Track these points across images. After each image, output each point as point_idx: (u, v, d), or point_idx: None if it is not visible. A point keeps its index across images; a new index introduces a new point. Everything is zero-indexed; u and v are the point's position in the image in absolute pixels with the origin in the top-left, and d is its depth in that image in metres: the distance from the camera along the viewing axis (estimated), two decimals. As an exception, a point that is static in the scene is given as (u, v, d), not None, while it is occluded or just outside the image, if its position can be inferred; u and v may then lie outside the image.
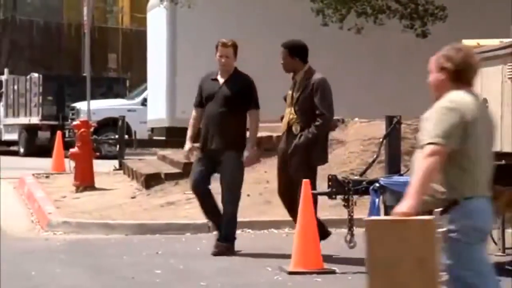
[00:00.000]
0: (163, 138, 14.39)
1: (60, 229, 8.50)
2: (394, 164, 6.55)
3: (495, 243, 6.91)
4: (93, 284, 5.98)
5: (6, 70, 23.67)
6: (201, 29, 14.02)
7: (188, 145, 6.99)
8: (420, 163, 3.52)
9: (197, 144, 7.10)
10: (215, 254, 6.79)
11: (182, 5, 12.19)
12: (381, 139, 6.87)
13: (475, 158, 3.61)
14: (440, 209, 3.57)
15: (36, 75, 21.36)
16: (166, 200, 9.62)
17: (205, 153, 6.90)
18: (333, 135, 10.99)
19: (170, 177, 10.53)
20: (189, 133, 7.02)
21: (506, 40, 6.36)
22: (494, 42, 6.55)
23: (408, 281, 3.40)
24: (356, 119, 11.36)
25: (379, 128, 9.56)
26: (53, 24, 31.92)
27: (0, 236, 8.15)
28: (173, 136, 14.11)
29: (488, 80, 6.34)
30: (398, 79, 14.68)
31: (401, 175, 6.39)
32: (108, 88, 21.32)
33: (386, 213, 6.11)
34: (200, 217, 8.81)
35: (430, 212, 3.62)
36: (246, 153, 6.84)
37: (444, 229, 3.53)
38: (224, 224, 6.89)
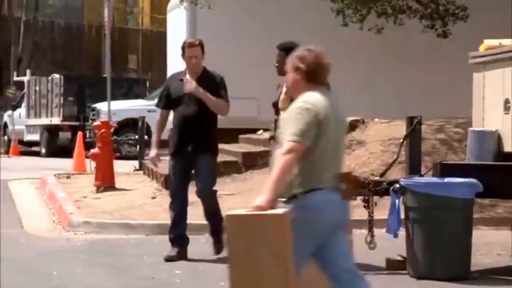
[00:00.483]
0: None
1: (81, 229, 8.54)
2: (415, 164, 6.52)
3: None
4: (114, 284, 6.00)
5: (28, 71, 23.87)
6: (221, 29, 14.04)
7: (154, 151, 6.75)
8: (278, 160, 3.75)
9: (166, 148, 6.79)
10: (219, 253, 6.70)
11: (202, 6, 12.20)
12: (401, 140, 6.83)
13: (325, 154, 3.82)
14: (285, 199, 3.80)
15: (57, 76, 21.51)
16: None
17: (181, 158, 6.65)
18: (353, 135, 10.95)
19: None
20: (155, 137, 6.81)
21: (528, 40, 6.31)
22: (516, 42, 6.50)
23: (264, 272, 3.65)
24: (376, 119, 11.31)
25: (399, 129, 9.51)
26: (74, 25, 32.13)
27: (21, 236, 8.21)
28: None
29: (511, 79, 6.29)
30: (418, 79, 14.62)
31: (422, 175, 6.36)
32: (129, 88, 21.42)
33: (407, 215, 6.08)
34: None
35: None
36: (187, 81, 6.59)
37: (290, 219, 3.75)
38: (216, 221, 6.71)
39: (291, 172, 3.75)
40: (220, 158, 11.50)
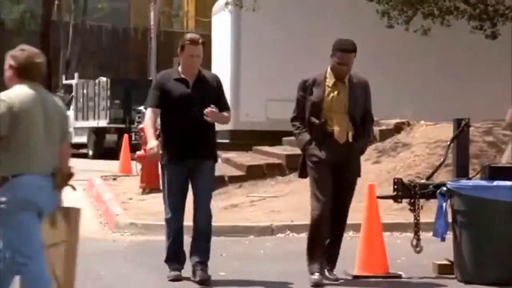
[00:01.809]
0: (227, 141, 14.47)
1: (127, 231, 8.62)
2: (463, 167, 6.42)
3: None
4: (159, 284, 6.05)
5: (76, 75, 24.23)
6: (265, 32, 14.04)
7: (154, 141, 5.86)
8: None
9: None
10: (206, 283, 5.84)
11: (246, 9, 12.22)
12: (448, 142, 6.74)
13: (28, 142, 4.30)
14: None
15: (104, 79, 21.79)
16: (230, 203, 9.66)
17: (180, 169, 5.91)
18: (399, 138, 10.85)
19: (233, 179, 10.63)
20: (151, 132, 5.92)
21: None
22: None
23: None
24: (422, 121, 11.19)
25: (446, 131, 9.39)
26: (120, 29, 32.53)
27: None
28: (236, 139, 14.16)
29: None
30: (465, 81, 14.41)
31: (470, 179, 6.27)
32: (174, 91, 21.54)
33: (454, 218, 6.00)
34: (263, 220, 8.82)
35: None
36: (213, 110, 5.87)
37: None
38: (205, 241, 5.97)
39: None
40: (264, 160, 11.59)
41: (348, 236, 7.85)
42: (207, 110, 5.80)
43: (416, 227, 6.19)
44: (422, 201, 6.23)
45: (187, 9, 35.03)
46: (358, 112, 5.97)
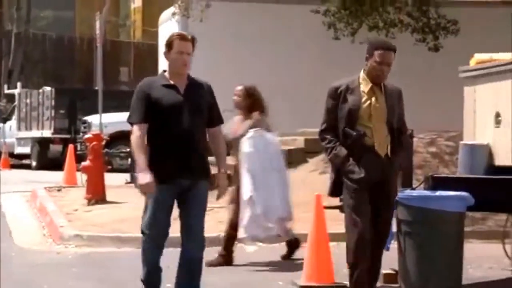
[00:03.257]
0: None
1: (72, 242, 8.51)
2: (407, 178, 6.54)
3: (509, 257, 6.88)
4: (105, 298, 5.99)
5: (19, 84, 23.83)
6: (213, 42, 14.06)
7: (147, 176, 4.89)
8: None
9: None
10: None
11: (193, 19, 12.23)
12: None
13: None
14: None
15: (48, 88, 21.49)
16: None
17: (171, 190, 4.98)
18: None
19: None
20: (142, 158, 4.92)
21: (519, 54, 6.36)
22: (507, 56, 6.55)
23: None
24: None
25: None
26: (65, 38, 32.13)
27: (12, 249, 8.17)
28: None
29: (502, 94, 6.34)
30: (409, 92, 14.63)
31: (414, 189, 6.38)
32: (120, 101, 21.40)
33: (399, 228, 6.10)
34: (211, 231, 8.79)
35: None
36: (220, 182, 5.06)
37: None
38: (197, 276, 5.16)
39: None
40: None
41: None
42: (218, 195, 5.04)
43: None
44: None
45: (134, 19, 34.84)
46: (396, 122, 5.30)
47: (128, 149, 14.59)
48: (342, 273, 6.44)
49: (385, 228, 5.44)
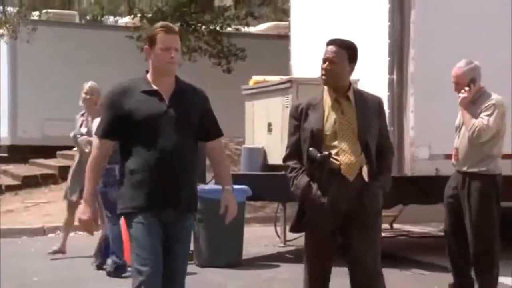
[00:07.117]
0: (5, 154, 13.82)
1: None
2: (201, 174, 6.76)
3: (279, 237, 7.37)
4: None
5: None
6: (41, 60, 13.54)
7: (87, 212, 3.34)
8: None
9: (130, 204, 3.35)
10: None
11: (21, 40, 11.73)
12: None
13: None
14: None
15: None
16: (6, 209, 9.25)
17: (154, 219, 3.31)
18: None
19: (10, 188, 10.42)
20: (90, 184, 3.37)
21: (284, 77, 6.82)
22: (276, 78, 7.01)
23: None
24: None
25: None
26: None
27: None
28: (14, 152, 13.61)
29: (272, 107, 6.78)
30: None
31: (206, 183, 6.65)
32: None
33: (194, 217, 6.28)
34: (36, 222, 8.55)
35: None
36: (227, 202, 3.56)
37: None
38: None
39: None
40: (39, 171, 11.27)
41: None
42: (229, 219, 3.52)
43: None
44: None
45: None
46: (372, 137, 3.60)
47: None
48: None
49: (369, 263, 3.58)
